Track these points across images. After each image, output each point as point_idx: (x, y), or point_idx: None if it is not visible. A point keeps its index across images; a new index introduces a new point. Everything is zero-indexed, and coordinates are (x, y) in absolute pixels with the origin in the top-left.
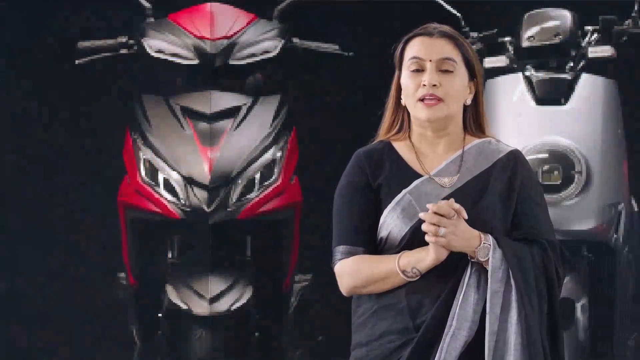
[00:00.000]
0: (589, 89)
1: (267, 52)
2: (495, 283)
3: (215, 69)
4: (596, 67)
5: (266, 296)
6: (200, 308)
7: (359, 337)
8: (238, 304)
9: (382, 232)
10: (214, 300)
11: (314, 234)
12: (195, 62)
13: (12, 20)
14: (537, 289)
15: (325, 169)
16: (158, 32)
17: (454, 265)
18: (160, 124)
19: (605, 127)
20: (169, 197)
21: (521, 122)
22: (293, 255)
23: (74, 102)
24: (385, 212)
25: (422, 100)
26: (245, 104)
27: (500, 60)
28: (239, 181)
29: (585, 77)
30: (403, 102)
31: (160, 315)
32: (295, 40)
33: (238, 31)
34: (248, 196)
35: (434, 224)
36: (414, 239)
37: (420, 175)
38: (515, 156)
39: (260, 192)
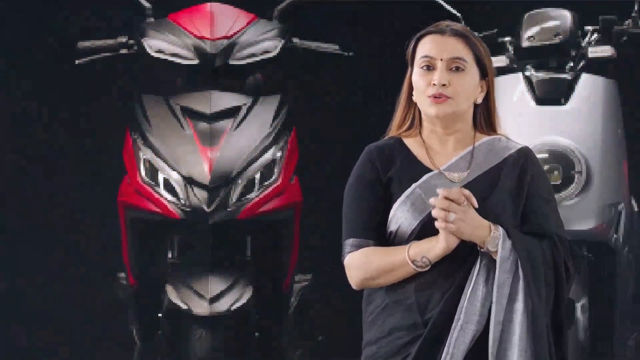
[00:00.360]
0: (589, 89)
1: (267, 52)
2: (504, 273)
3: (215, 69)
4: (596, 67)
5: (266, 296)
6: (200, 308)
7: (369, 335)
8: (238, 304)
9: (392, 226)
10: (214, 300)
11: (314, 234)
12: (195, 62)
13: (12, 20)
14: (546, 282)
15: (325, 169)
16: (158, 32)
17: (463, 259)
18: (160, 124)
19: (605, 127)
20: (169, 197)
21: (521, 122)
22: (293, 255)
23: (74, 102)
24: (395, 206)
25: (430, 97)
26: (245, 104)
27: (500, 60)
28: (239, 181)
29: (585, 77)
30: (414, 98)
31: (160, 315)
32: (295, 40)
33: (238, 31)
34: (248, 196)
35: (444, 209)
36: (424, 232)
37: (430, 170)
38: (525, 153)
39: (260, 192)
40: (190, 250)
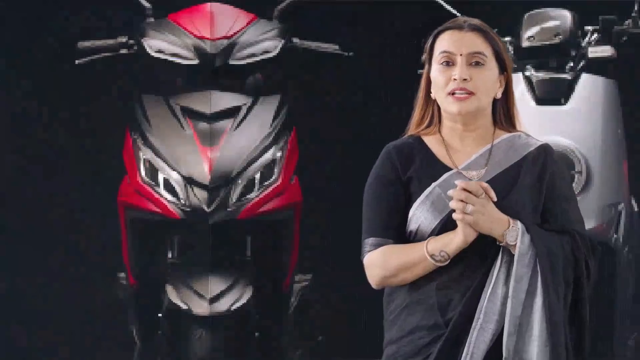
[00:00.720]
0: (589, 89)
1: (267, 52)
2: (522, 268)
3: (215, 69)
4: (596, 67)
5: (266, 296)
6: (200, 308)
7: (390, 335)
8: (238, 304)
9: (412, 226)
10: (214, 300)
11: (314, 234)
12: (195, 62)
13: (12, 20)
14: (564, 279)
15: (325, 169)
16: (158, 32)
17: (484, 257)
18: (160, 124)
19: (605, 127)
20: (169, 197)
21: (521, 122)
22: (293, 255)
23: (74, 102)
24: (415, 205)
25: (452, 94)
26: (245, 104)
27: None
28: (239, 181)
29: (585, 77)
30: (433, 95)
31: (160, 315)
32: (295, 40)
33: (238, 31)
34: (248, 196)
35: (462, 201)
36: (444, 232)
37: (449, 169)
38: (545, 150)
39: (260, 192)
40: (190, 250)
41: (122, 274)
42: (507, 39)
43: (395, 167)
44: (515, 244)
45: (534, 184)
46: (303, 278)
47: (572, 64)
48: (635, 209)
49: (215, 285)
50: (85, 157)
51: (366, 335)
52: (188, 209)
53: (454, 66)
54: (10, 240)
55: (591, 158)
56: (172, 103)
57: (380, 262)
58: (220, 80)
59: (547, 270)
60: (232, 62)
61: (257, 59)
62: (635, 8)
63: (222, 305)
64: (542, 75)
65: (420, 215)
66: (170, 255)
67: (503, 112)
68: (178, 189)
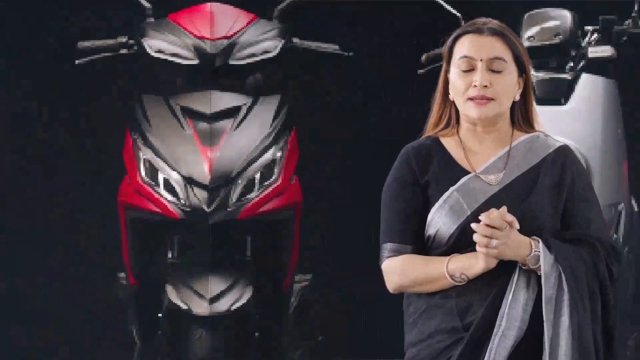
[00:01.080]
0: (589, 89)
1: (267, 52)
2: (549, 289)
3: (215, 69)
4: (596, 67)
5: (266, 296)
6: (200, 308)
7: (409, 337)
8: (238, 304)
9: (430, 230)
10: (214, 300)
11: (314, 234)
12: (195, 62)
13: (12, 20)
14: (590, 291)
15: (325, 169)
16: (158, 32)
17: (503, 264)
18: (160, 124)
19: (605, 127)
20: (169, 197)
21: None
22: (293, 255)
23: (74, 102)
24: (433, 210)
25: (472, 99)
26: (245, 104)
27: None
28: (239, 181)
29: (585, 77)
30: (451, 97)
31: (160, 315)
32: (295, 40)
33: (238, 31)
34: (248, 196)
35: (487, 236)
36: (462, 237)
37: (467, 172)
38: (564, 152)
39: (260, 192)
40: (190, 250)
41: (122, 274)
42: None
43: (412, 169)
44: (538, 266)
45: (554, 186)
46: (303, 278)
47: (572, 64)
48: (635, 209)
49: (215, 285)
50: (85, 157)
51: (366, 335)
52: (188, 209)
53: (474, 71)
54: (10, 240)
55: (591, 158)
56: (172, 103)
57: (399, 270)
58: (220, 80)
59: (572, 288)
60: (232, 62)
61: (257, 59)
62: (635, 8)
63: (222, 305)
64: (542, 75)
65: (438, 220)
66: (170, 255)
67: (521, 114)
68: (178, 189)
